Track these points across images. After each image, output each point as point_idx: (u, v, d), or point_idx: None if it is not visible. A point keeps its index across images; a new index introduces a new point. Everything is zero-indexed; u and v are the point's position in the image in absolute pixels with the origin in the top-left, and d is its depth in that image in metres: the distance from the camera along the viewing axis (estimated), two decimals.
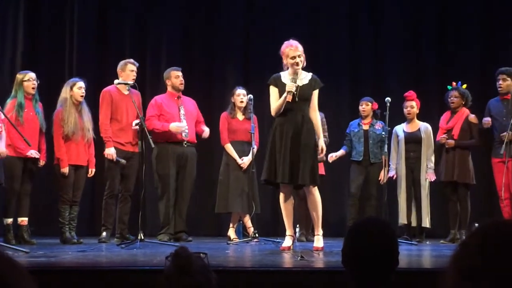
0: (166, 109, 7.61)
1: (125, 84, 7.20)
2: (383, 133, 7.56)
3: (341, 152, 8.03)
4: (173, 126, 7.44)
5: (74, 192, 7.23)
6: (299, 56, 5.89)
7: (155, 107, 7.61)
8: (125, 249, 6.02)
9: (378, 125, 7.99)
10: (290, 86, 5.81)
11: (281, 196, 6.02)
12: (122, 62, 7.53)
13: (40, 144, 7.19)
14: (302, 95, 5.88)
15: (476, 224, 6.84)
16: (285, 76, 5.97)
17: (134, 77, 7.42)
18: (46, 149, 7.24)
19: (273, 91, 5.98)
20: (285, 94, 5.81)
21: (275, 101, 5.93)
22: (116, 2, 9.49)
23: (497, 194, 7.30)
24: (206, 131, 7.81)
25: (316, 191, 5.93)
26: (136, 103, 7.05)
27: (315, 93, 6.01)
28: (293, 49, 5.89)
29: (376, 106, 8.04)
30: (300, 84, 5.90)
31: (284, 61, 5.97)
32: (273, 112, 5.96)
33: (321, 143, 6.10)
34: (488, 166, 7.59)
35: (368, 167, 7.98)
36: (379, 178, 7.89)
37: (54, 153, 7.20)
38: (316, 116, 6.05)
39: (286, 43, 5.97)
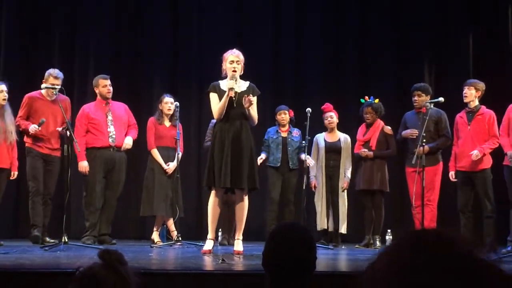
0: (92, 116, 7.64)
1: (52, 88, 7.17)
2: (303, 141, 7.77)
3: (263, 155, 8.21)
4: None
5: None
6: (237, 63, 6.10)
7: (82, 117, 7.62)
8: (49, 252, 5.99)
9: (295, 133, 8.22)
10: (231, 83, 5.98)
11: (213, 199, 6.10)
12: (46, 73, 7.41)
13: None
14: (240, 101, 6.04)
15: (389, 231, 7.18)
16: (224, 84, 6.13)
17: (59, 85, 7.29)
18: None
19: (213, 96, 6.14)
20: (226, 93, 5.97)
21: (216, 104, 6.08)
22: (46, 3, 9.36)
23: (409, 202, 7.64)
24: (125, 142, 7.72)
25: (246, 197, 6.11)
26: (63, 108, 6.98)
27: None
28: (234, 54, 6.14)
29: (292, 113, 8.29)
30: (238, 91, 6.06)
31: (223, 66, 6.17)
32: (216, 115, 6.10)
33: None
34: (401, 175, 7.95)
35: (286, 173, 8.18)
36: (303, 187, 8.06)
37: None
38: (253, 123, 6.19)
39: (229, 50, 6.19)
